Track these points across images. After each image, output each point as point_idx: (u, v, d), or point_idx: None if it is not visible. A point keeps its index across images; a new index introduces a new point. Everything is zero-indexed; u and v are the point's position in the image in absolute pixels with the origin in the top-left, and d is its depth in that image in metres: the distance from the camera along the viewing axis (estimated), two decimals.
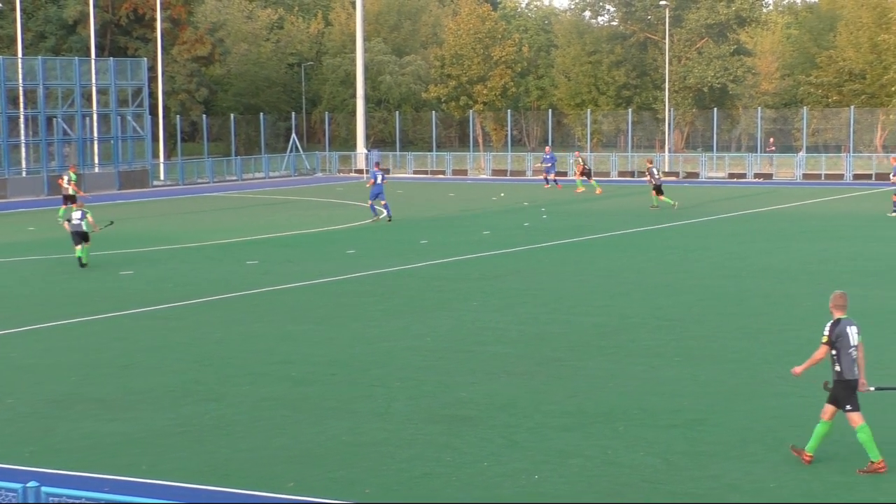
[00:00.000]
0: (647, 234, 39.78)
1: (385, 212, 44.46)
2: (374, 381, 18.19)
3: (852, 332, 13.68)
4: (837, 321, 13.78)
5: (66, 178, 46.31)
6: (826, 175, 70.78)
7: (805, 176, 71.27)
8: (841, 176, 70.35)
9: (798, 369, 14.21)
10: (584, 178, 59.03)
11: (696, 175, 74.06)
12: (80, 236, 32.07)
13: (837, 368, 13.72)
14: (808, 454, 13.93)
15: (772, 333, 22.06)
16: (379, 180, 44.26)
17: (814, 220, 44.18)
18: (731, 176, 73.11)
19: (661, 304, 25.43)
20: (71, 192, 44.67)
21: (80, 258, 31.92)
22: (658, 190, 48.62)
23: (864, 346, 13.94)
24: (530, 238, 38.13)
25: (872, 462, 13.62)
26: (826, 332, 13.74)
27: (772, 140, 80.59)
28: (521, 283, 28.76)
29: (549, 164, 63.30)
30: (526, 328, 22.77)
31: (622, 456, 14.33)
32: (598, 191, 57.13)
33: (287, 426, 15.84)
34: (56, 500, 9.34)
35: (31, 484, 9.30)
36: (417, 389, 17.70)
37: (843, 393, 13.71)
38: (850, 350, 13.67)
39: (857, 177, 69.36)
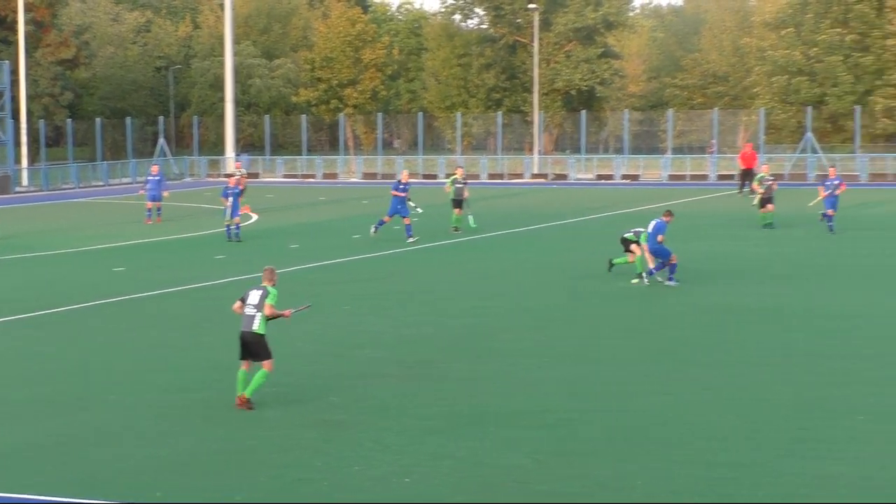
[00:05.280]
0: (519, 236, 40.13)
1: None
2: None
3: (251, 294, 16.76)
4: (257, 286, 16.93)
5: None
6: (691, 176, 72.13)
7: (671, 177, 72.53)
8: (705, 177, 71.74)
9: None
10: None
11: (564, 177, 74.92)
12: None
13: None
14: (240, 396, 16.65)
15: (640, 332, 22.41)
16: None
17: (680, 219, 44.77)
18: (599, 177, 74.09)
19: (531, 305, 25.66)
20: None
21: None
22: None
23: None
24: (402, 241, 38.13)
25: (238, 396, 16.70)
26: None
27: (712, 142, 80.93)
28: (392, 286, 28.81)
29: (153, 189, 46.86)
30: (397, 331, 22.81)
31: (492, 457, 14.44)
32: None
33: (157, 435, 15.66)
34: None
35: None
36: (289, 395, 17.62)
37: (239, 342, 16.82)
38: (246, 308, 16.67)
39: (721, 177, 70.80)
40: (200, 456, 14.71)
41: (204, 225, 45.03)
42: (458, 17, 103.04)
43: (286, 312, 17.15)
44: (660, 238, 27.52)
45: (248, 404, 16.63)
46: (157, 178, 47.21)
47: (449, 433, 15.47)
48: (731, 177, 69.25)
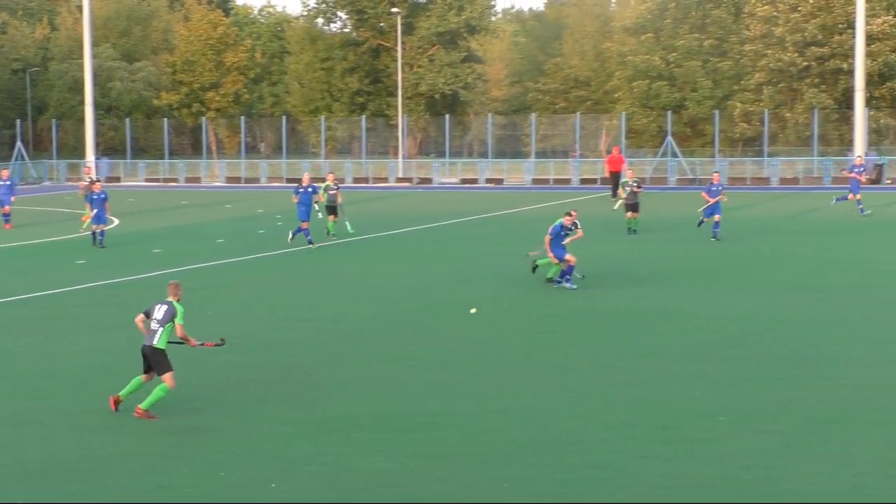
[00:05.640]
0: (388, 240, 40.08)
1: None
2: (102, 395, 17.62)
3: (157, 309, 16.36)
4: (163, 301, 16.48)
5: None
6: (554, 180, 72.87)
7: (534, 181, 73.17)
8: (568, 180, 72.52)
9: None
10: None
11: (429, 181, 75.11)
12: None
13: None
14: (119, 396, 16.62)
15: (505, 335, 22.49)
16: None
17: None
18: (464, 181, 74.43)
19: (394, 309, 25.63)
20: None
21: None
22: None
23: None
24: (266, 245, 37.85)
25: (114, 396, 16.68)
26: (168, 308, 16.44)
27: (575, 146, 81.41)
28: (258, 291, 28.55)
29: (4, 194, 46.74)
30: (261, 336, 22.60)
31: (357, 461, 14.36)
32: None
33: (8, 444, 15.26)
34: None
35: None
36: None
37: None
38: (151, 323, 16.36)
39: (583, 181, 71.68)
40: (55, 464, 14.37)
41: (64, 230, 44.17)
42: (320, 20, 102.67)
43: (192, 342, 16.77)
44: (546, 238, 28.02)
45: (146, 415, 16.25)
46: (7, 183, 46.30)
47: (312, 438, 15.36)
48: (594, 180, 70.19)
